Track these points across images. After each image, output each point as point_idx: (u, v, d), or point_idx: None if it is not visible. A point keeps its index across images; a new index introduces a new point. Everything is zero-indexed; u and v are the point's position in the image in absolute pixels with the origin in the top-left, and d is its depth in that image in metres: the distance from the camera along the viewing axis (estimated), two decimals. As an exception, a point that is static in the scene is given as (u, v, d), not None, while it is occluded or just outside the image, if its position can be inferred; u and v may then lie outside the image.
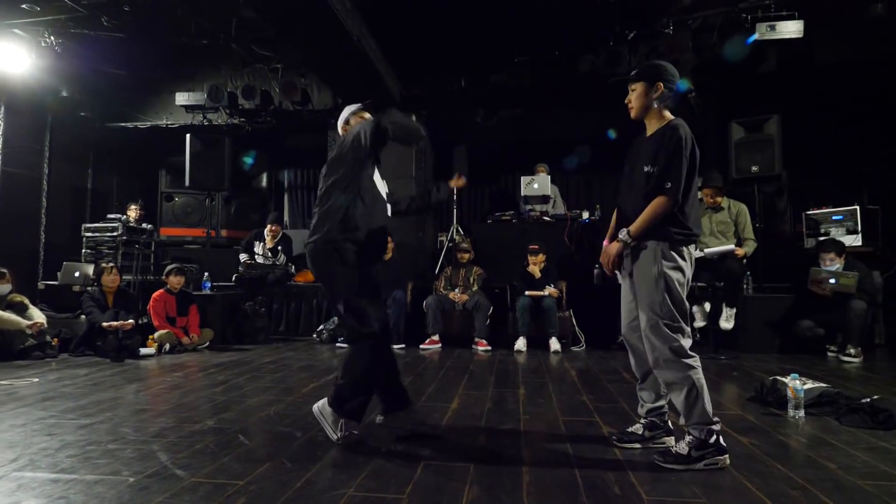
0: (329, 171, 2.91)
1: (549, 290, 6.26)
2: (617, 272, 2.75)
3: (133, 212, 8.01)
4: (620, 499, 2.08)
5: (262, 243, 7.39)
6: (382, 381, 2.89)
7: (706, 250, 5.62)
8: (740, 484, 2.23)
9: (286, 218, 9.72)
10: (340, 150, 2.90)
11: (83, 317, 5.93)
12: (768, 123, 6.25)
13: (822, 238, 5.98)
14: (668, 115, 2.64)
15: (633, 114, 2.73)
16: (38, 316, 5.64)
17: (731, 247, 5.70)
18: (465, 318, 6.48)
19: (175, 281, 6.16)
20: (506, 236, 7.43)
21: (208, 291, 6.89)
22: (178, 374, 4.67)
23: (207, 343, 6.29)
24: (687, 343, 2.46)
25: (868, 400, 3.18)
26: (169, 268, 6.27)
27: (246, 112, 8.05)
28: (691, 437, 2.43)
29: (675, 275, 2.48)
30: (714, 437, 2.39)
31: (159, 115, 8.45)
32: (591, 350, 6.08)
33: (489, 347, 6.11)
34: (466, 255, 6.86)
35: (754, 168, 6.27)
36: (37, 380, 4.38)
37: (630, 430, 2.78)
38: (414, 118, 2.95)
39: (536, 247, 6.53)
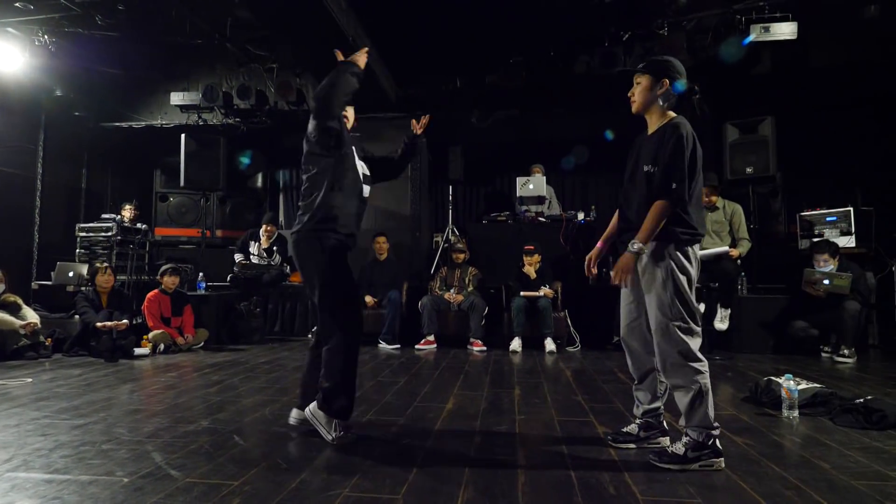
0: (306, 165, 2.94)
1: (545, 291, 6.27)
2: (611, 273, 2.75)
3: (127, 212, 7.98)
4: (615, 499, 2.08)
5: (257, 243, 7.37)
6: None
7: (700, 252, 5.63)
8: (735, 484, 2.23)
9: (281, 218, 9.69)
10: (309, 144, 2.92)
11: (77, 317, 5.91)
12: (763, 125, 6.29)
13: (816, 239, 6.01)
14: (670, 113, 2.59)
15: (634, 108, 2.67)
16: (31, 316, 5.61)
17: (726, 248, 5.72)
18: (460, 319, 6.48)
19: (170, 281, 6.14)
20: (501, 237, 7.44)
21: (203, 291, 6.88)
22: (172, 375, 4.66)
23: (202, 343, 6.27)
24: (696, 344, 2.43)
25: (862, 400, 3.19)
26: (163, 268, 6.26)
27: (241, 112, 8.03)
28: (689, 438, 2.42)
29: (682, 275, 2.45)
30: (712, 440, 2.40)
31: (154, 114, 8.42)
32: (587, 350, 6.09)
33: (484, 348, 6.12)
34: (462, 256, 6.86)
35: (749, 169, 6.30)
36: (30, 380, 4.36)
37: (625, 430, 2.78)
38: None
39: (532, 247, 6.54)
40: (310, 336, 6.89)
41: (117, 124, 8.45)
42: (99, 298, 5.97)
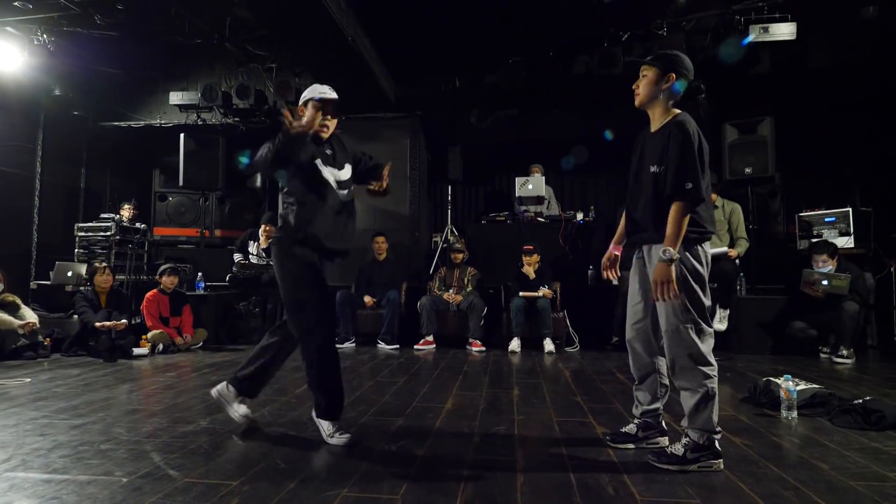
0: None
1: (544, 291, 6.27)
2: (612, 273, 2.74)
3: (126, 211, 7.98)
4: (614, 499, 2.08)
5: (256, 243, 7.36)
6: (274, 369, 3.05)
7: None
8: (733, 484, 2.23)
9: (280, 218, 9.69)
10: None
11: (76, 317, 5.91)
12: (762, 125, 6.29)
13: (814, 240, 6.02)
14: (674, 109, 2.53)
15: (637, 101, 2.60)
16: (30, 316, 5.61)
17: (725, 249, 5.73)
18: (459, 319, 6.48)
19: (168, 281, 6.14)
20: (500, 237, 7.44)
21: (202, 291, 6.88)
22: (171, 375, 4.66)
23: (201, 343, 6.27)
24: (708, 347, 2.40)
25: (860, 401, 3.20)
26: (162, 268, 6.26)
27: (240, 111, 8.02)
28: (689, 439, 2.42)
29: (692, 276, 2.40)
30: (712, 442, 2.39)
31: (153, 114, 8.41)
32: (585, 351, 6.09)
33: (483, 348, 6.12)
34: (460, 256, 6.86)
35: (748, 170, 6.31)
36: (29, 380, 4.36)
37: (623, 430, 2.78)
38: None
39: (531, 247, 6.54)
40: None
41: (116, 124, 8.44)
42: (98, 298, 5.97)
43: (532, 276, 6.44)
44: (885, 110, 6.74)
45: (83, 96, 8.10)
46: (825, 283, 5.49)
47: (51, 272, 6.92)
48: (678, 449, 2.42)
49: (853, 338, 5.40)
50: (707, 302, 2.43)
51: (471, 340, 6.23)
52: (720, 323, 5.65)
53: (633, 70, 2.67)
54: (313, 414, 2.89)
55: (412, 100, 7.88)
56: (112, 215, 7.58)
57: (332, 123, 2.97)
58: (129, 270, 7.05)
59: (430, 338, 6.34)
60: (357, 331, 6.61)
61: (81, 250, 7.30)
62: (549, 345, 6.03)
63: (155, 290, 6.12)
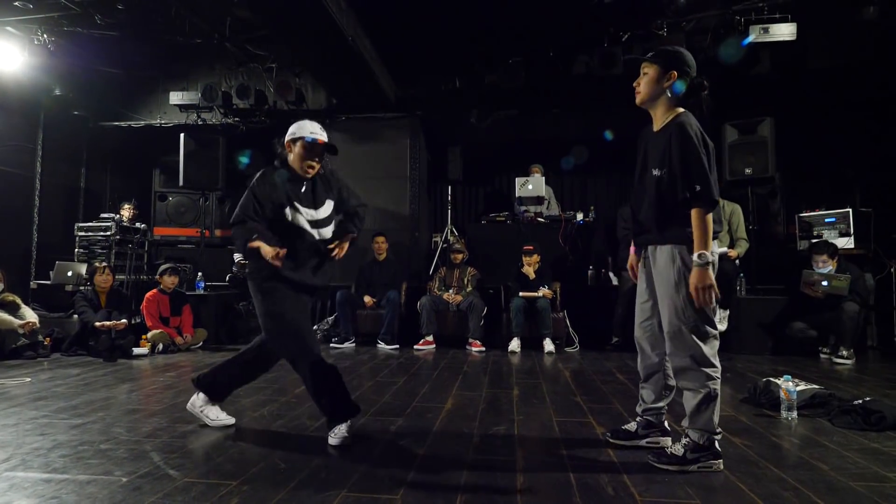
0: None
1: (544, 291, 6.27)
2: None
3: (126, 211, 7.98)
4: (614, 499, 2.08)
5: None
6: (255, 373, 3.14)
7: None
8: (733, 485, 2.23)
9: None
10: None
11: (76, 316, 5.91)
12: (762, 125, 6.29)
13: (814, 240, 6.02)
14: (676, 108, 2.48)
15: (638, 99, 2.55)
16: (30, 315, 5.61)
17: (725, 249, 5.73)
18: (459, 319, 6.48)
19: (168, 281, 6.14)
20: (500, 237, 7.44)
21: (202, 291, 6.87)
22: (171, 375, 4.66)
23: (201, 343, 6.27)
24: (711, 348, 2.38)
25: (860, 401, 3.20)
26: (162, 267, 6.25)
27: (240, 112, 8.03)
28: (689, 439, 2.42)
29: None
30: (712, 443, 2.39)
31: (153, 114, 8.42)
32: (585, 351, 6.09)
33: (483, 348, 6.11)
34: (460, 256, 6.86)
35: (748, 170, 6.31)
36: (29, 379, 4.36)
37: (624, 427, 2.78)
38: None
39: (531, 247, 6.54)
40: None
41: (116, 124, 8.45)
42: (98, 298, 5.97)
43: (532, 276, 6.44)
44: (885, 111, 6.75)
45: (83, 96, 8.10)
46: (825, 283, 5.49)
47: (51, 272, 6.92)
48: (678, 449, 2.42)
49: (853, 338, 5.40)
50: (711, 303, 2.39)
51: (471, 340, 6.23)
52: (720, 323, 5.65)
53: (633, 69, 2.63)
54: (330, 432, 2.78)
55: (412, 100, 7.88)
56: (112, 215, 7.58)
57: (318, 166, 2.91)
58: (129, 270, 7.06)
59: (430, 338, 6.33)
60: (357, 331, 6.61)
61: (81, 250, 7.30)
62: (548, 345, 6.03)
63: (155, 290, 6.12)
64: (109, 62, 7.68)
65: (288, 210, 2.83)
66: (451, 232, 8.03)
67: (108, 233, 7.29)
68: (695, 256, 2.31)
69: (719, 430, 2.42)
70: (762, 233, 7.01)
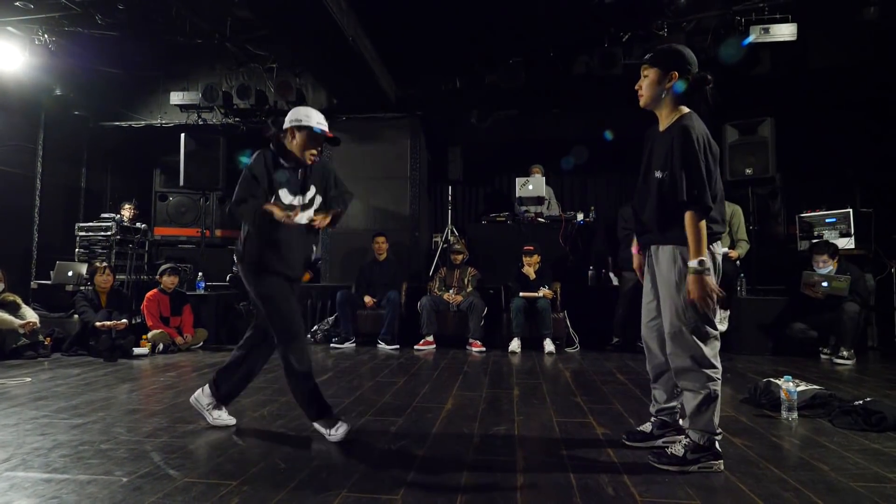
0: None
1: (544, 292, 6.27)
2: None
3: (127, 211, 7.99)
4: (614, 500, 2.08)
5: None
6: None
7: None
8: (734, 485, 2.23)
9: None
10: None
11: (76, 316, 5.91)
12: (762, 126, 6.29)
13: (815, 241, 6.01)
14: (682, 108, 2.48)
15: (641, 102, 2.54)
16: (30, 315, 5.61)
17: (725, 249, 5.72)
18: (459, 319, 6.48)
19: (169, 281, 6.14)
20: (500, 237, 7.45)
21: (202, 291, 6.87)
22: (171, 374, 4.66)
23: (201, 343, 6.27)
24: (711, 349, 2.38)
25: (861, 402, 3.19)
26: (163, 267, 6.26)
27: (241, 112, 8.03)
28: (689, 440, 2.42)
29: None
30: (712, 443, 2.39)
31: (154, 114, 8.42)
32: (586, 351, 6.09)
33: (483, 348, 6.11)
34: (461, 256, 6.86)
35: (748, 170, 6.31)
36: (29, 379, 4.36)
37: (640, 428, 2.78)
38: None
39: (531, 248, 6.54)
40: (309, 336, 6.89)
41: (117, 124, 8.45)
42: (98, 298, 5.97)
43: (532, 276, 6.44)
44: (885, 111, 6.74)
45: (84, 96, 8.10)
46: (825, 284, 5.49)
47: (51, 272, 6.93)
48: (678, 450, 2.42)
49: (853, 339, 5.40)
50: (711, 304, 2.39)
51: (471, 341, 6.23)
52: (721, 324, 5.64)
53: (634, 70, 2.64)
54: (315, 425, 2.89)
55: (412, 100, 7.88)
56: (112, 215, 7.59)
57: (318, 154, 2.97)
58: (130, 270, 7.06)
59: (431, 338, 6.33)
60: (357, 331, 6.61)
61: (82, 250, 7.31)
62: (549, 345, 6.03)
63: (155, 290, 6.12)
64: (110, 62, 7.68)
65: (282, 192, 2.90)
66: (452, 232, 8.03)
67: (109, 233, 7.30)
68: (694, 263, 2.30)
69: (719, 430, 2.42)
70: (763, 233, 7.01)
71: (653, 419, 2.74)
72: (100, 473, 2.31)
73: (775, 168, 6.26)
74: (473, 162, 8.88)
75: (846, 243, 6.02)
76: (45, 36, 6.67)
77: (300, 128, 2.92)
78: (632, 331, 6.04)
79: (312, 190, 3.02)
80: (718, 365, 2.39)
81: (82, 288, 6.23)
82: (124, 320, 5.78)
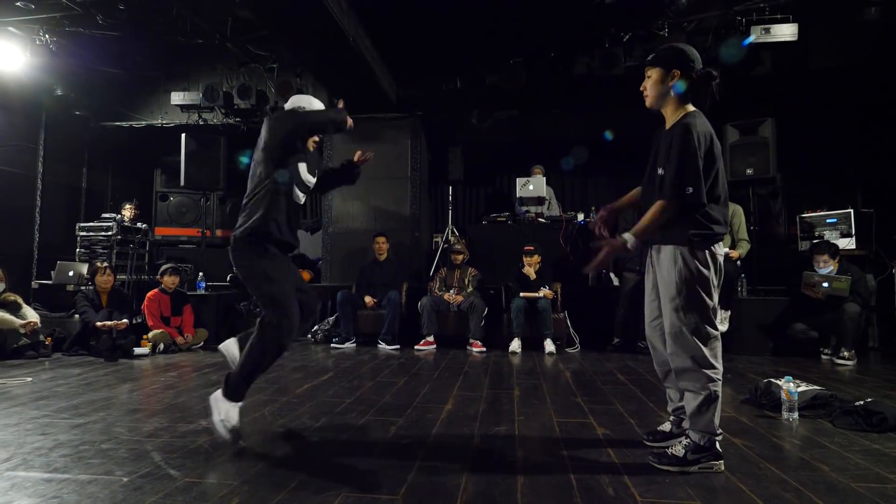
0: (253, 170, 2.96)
1: (544, 292, 6.27)
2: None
3: (128, 211, 7.99)
4: (615, 500, 2.08)
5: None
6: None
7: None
8: (734, 486, 2.23)
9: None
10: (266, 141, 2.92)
11: (77, 316, 5.91)
12: (763, 126, 6.29)
13: (816, 241, 6.01)
14: (687, 106, 2.49)
15: (647, 103, 2.57)
16: (31, 315, 5.61)
17: (726, 250, 5.72)
18: (459, 319, 6.48)
19: (169, 281, 6.14)
20: (501, 237, 7.44)
21: (203, 291, 6.87)
22: (172, 374, 4.66)
23: (202, 343, 6.27)
24: (712, 350, 2.38)
25: (862, 402, 3.19)
26: (163, 267, 6.26)
27: (241, 112, 8.03)
28: (689, 440, 2.42)
29: (698, 279, 2.38)
30: (713, 444, 2.39)
31: (154, 114, 8.42)
32: (586, 352, 6.08)
33: (484, 349, 6.11)
34: (461, 257, 6.86)
35: (749, 171, 6.31)
36: (30, 379, 4.36)
37: (660, 428, 2.78)
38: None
39: (532, 248, 6.54)
40: (309, 336, 6.89)
41: (118, 124, 8.45)
42: (99, 298, 5.97)
43: (533, 276, 6.43)
44: (886, 111, 6.73)
45: (85, 96, 8.10)
46: (825, 285, 5.49)
47: (52, 272, 6.93)
48: (679, 450, 2.42)
49: (854, 339, 5.40)
50: (712, 304, 2.40)
51: (471, 341, 6.23)
52: (721, 324, 5.64)
53: (634, 70, 2.66)
54: (217, 393, 2.75)
55: (413, 100, 7.88)
56: (113, 215, 7.59)
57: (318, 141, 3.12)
58: (130, 270, 7.07)
59: (431, 338, 6.33)
60: (358, 331, 6.61)
61: (83, 250, 7.31)
62: (549, 345, 6.02)
63: (156, 290, 6.12)
64: (111, 62, 7.68)
65: (301, 166, 2.96)
66: (452, 232, 8.03)
67: (110, 233, 7.31)
68: (627, 236, 2.42)
69: (720, 431, 2.42)
70: (763, 233, 7.01)
71: (671, 418, 2.74)
72: (100, 473, 2.31)
73: (776, 168, 6.26)
74: (474, 162, 8.87)
75: (847, 244, 6.01)
76: (46, 36, 6.66)
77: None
78: (632, 331, 6.05)
79: (315, 175, 3.11)
80: (719, 365, 2.39)
81: (83, 288, 6.24)
82: (125, 320, 5.78)
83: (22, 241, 7.64)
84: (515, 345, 6.05)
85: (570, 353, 6.03)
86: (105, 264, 6.23)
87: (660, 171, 2.46)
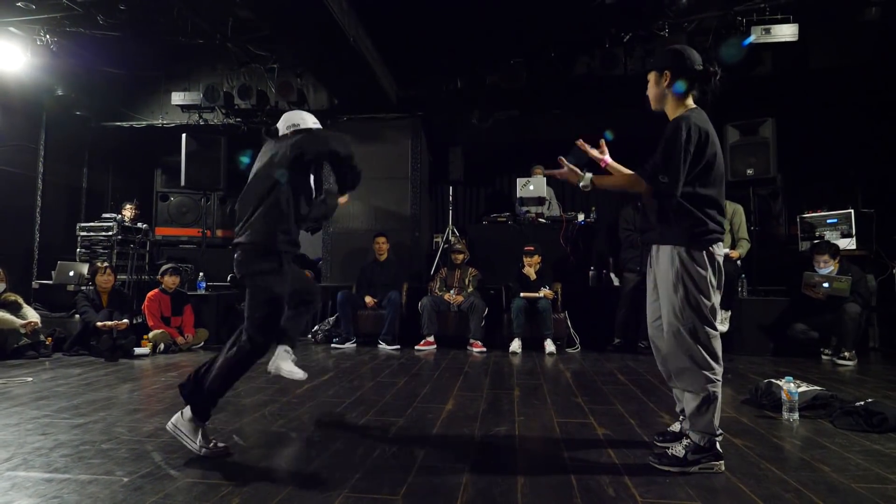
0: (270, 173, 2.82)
1: (545, 292, 6.26)
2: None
3: (128, 211, 7.99)
4: (615, 500, 2.08)
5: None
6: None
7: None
8: (734, 486, 2.23)
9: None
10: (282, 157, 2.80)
11: (77, 316, 5.91)
12: (763, 126, 6.29)
13: (816, 241, 6.01)
14: (688, 103, 2.51)
15: (652, 106, 2.63)
16: (32, 315, 5.62)
17: (726, 250, 5.72)
18: (460, 320, 6.48)
19: (170, 281, 6.15)
20: (501, 238, 7.44)
21: (203, 291, 6.88)
22: (172, 374, 4.66)
23: (202, 343, 6.28)
24: (711, 350, 2.38)
25: (862, 403, 3.19)
26: (164, 267, 6.26)
27: (242, 112, 8.03)
28: (689, 441, 2.42)
29: (693, 279, 2.38)
30: (713, 444, 2.39)
31: (155, 114, 8.42)
32: (586, 352, 6.08)
33: (484, 349, 6.11)
34: (461, 257, 6.86)
35: (749, 171, 6.31)
36: (30, 379, 4.36)
37: (670, 429, 2.79)
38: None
39: (532, 248, 6.54)
40: (310, 336, 6.89)
41: (118, 124, 8.46)
42: (99, 298, 5.98)
43: (533, 276, 6.43)
44: (887, 112, 6.73)
45: (85, 96, 8.10)
46: (826, 285, 5.48)
47: (53, 272, 6.94)
48: (679, 451, 2.42)
49: (855, 340, 5.40)
50: (710, 304, 2.40)
51: (471, 341, 6.23)
52: (722, 324, 5.64)
53: (635, 71, 2.73)
54: (174, 419, 2.63)
55: (413, 100, 7.87)
56: (114, 215, 7.60)
57: None
58: (131, 270, 7.06)
59: (431, 338, 6.33)
60: (358, 331, 6.61)
61: (83, 250, 7.32)
62: (549, 346, 6.02)
63: (156, 290, 6.13)
64: (111, 62, 7.68)
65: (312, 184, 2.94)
66: (452, 232, 8.03)
67: (110, 233, 7.31)
68: (589, 174, 2.76)
69: (720, 431, 2.42)
70: (764, 234, 7.00)
71: (681, 418, 2.74)
72: (101, 473, 2.31)
73: (776, 168, 6.26)
74: (474, 162, 8.86)
75: (847, 244, 6.01)
76: (47, 36, 6.67)
77: (298, 132, 2.93)
78: (633, 332, 6.05)
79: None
80: (718, 366, 2.39)
81: (83, 288, 6.24)
82: (125, 320, 5.79)
83: (22, 241, 7.65)
84: (516, 345, 6.06)
85: (570, 354, 6.03)
86: (105, 264, 6.24)
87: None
